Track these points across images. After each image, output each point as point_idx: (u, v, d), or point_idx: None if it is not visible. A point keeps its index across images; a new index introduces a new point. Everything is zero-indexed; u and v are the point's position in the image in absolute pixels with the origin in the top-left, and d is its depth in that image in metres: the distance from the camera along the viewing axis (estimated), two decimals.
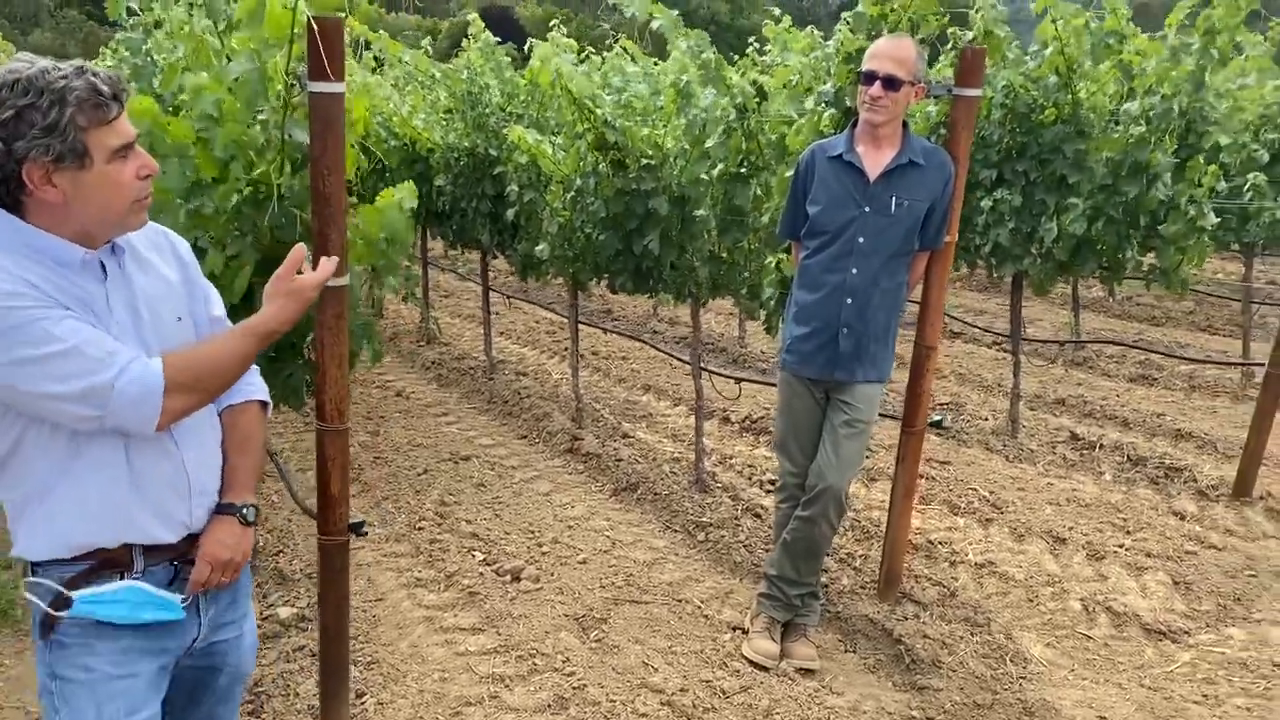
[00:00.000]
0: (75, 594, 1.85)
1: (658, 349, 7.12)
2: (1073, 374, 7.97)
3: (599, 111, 4.65)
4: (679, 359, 6.88)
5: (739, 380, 5.66)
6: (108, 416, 1.75)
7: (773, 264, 4.59)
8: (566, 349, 8.75)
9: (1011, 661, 3.78)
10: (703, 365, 5.45)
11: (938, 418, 4.14)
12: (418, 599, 4.26)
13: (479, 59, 6.73)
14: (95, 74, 1.72)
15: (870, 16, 3.75)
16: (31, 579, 1.88)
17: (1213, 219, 5.06)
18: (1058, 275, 5.92)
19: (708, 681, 3.60)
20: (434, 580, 4.41)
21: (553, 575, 4.44)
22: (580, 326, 6.68)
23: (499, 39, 7.03)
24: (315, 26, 2.46)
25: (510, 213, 6.37)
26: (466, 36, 6.99)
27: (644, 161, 4.84)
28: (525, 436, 6.52)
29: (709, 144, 4.77)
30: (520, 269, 6.78)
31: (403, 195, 3.30)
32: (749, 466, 5.88)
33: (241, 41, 2.96)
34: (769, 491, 5.52)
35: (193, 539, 2.00)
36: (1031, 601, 4.29)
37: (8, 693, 3.50)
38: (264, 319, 1.98)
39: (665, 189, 4.87)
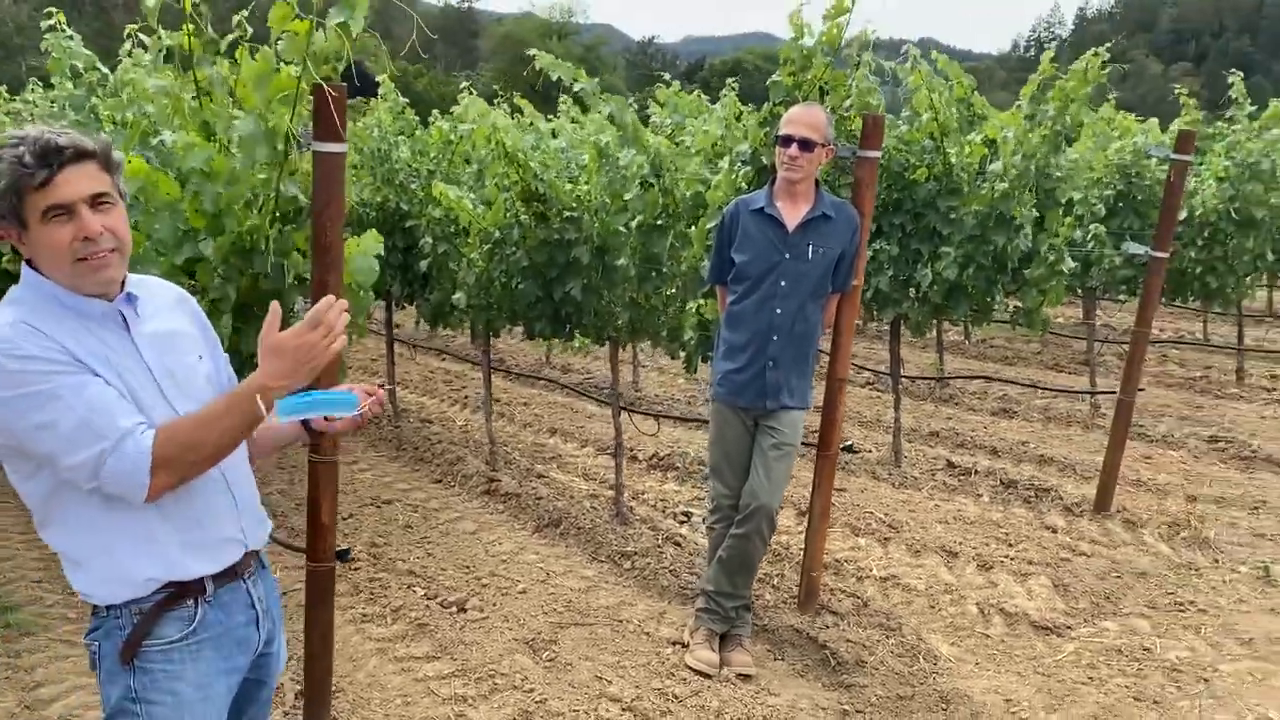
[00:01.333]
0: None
1: (581, 393, 7.44)
2: (942, 409, 8.65)
3: (531, 165, 4.98)
4: (598, 399, 7.19)
5: (659, 417, 6.01)
6: (102, 486, 1.84)
7: (693, 309, 4.99)
8: (467, 396, 8.97)
9: (924, 659, 4.21)
10: (622, 405, 5.78)
11: (847, 443, 4.59)
12: (366, 633, 4.42)
13: (388, 118, 6.98)
14: (35, 141, 1.83)
15: (785, 85, 4.23)
16: (103, 615, 1.99)
17: (1070, 263, 5.74)
18: (933, 317, 6.54)
19: (659, 689, 3.90)
20: (380, 615, 4.57)
21: (496, 605, 4.67)
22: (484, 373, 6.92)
23: (350, 96, 7.28)
24: (326, 92, 2.73)
25: (424, 264, 6.61)
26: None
27: (566, 214, 5.19)
28: (440, 480, 6.70)
29: (628, 197, 5.16)
30: (431, 317, 7.01)
31: (369, 243, 3.54)
32: (661, 500, 6.22)
33: (237, 103, 3.19)
34: (682, 523, 5.88)
35: (250, 555, 2.18)
36: (934, 608, 4.76)
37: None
38: (250, 378, 2.00)
39: (587, 239, 5.22)
